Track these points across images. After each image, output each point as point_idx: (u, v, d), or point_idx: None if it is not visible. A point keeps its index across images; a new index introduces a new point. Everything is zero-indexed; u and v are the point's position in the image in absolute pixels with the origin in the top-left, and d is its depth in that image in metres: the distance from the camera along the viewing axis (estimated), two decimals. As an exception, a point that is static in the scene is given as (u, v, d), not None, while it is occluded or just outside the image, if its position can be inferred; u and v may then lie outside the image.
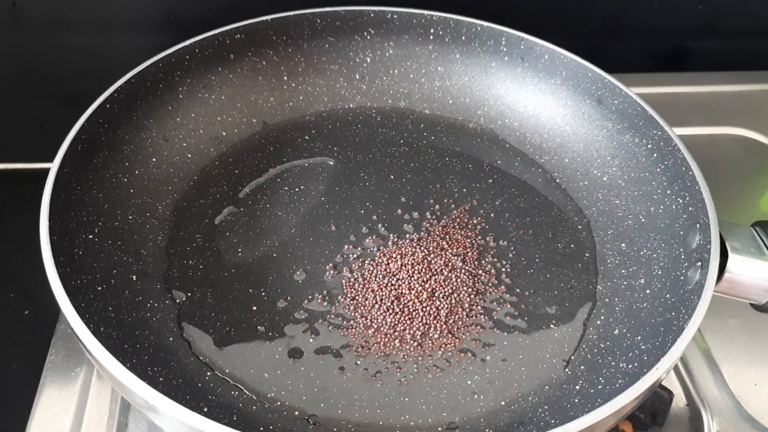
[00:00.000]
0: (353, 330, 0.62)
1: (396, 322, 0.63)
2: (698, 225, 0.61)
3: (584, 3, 1.04)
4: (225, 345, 0.60)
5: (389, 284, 0.65)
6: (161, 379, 0.54)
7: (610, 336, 0.62)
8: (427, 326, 0.63)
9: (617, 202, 0.74)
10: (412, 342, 0.61)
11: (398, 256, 0.68)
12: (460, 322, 0.64)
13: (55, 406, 0.63)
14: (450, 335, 0.62)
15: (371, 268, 0.67)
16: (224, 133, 0.80)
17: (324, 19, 0.84)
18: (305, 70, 0.86)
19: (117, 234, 0.65)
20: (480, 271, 0.68)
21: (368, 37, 0.86)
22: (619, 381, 0.55)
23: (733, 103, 1.06)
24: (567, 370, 0.60)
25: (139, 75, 0.72)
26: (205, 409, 0.53)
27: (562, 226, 0.74)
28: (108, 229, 0.64)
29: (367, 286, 0.66)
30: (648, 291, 0.64)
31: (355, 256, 0.69)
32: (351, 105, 0.87)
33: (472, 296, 0.66)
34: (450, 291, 0.65)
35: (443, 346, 0.62)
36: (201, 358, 0.59)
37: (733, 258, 0.58)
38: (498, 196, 0.77)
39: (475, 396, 0.58)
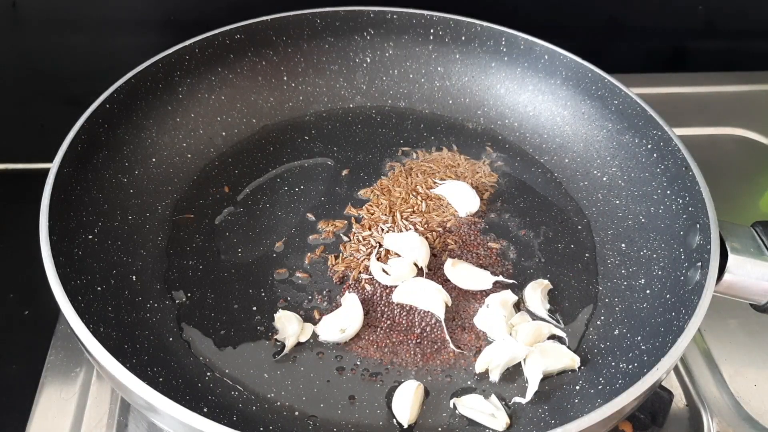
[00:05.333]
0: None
1: (396, 323, 0.63)
2: (698, 225, 0.61)
3: (584, 3, 1.04)
4: (225, 345, 0.60)
5: (390, 286, 0.65)
6: (161, 379, 0.54)
7: (610, 336, 0.62)
8: (427, 326, 0.63)
9: (617, 202, 0.74)
10: (411, 342, 0.61)
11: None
12: (459, 324, 0.64)
13: (55, 406, 0.63)
14: (450, 335, 0.62)
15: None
16: (224, 133, 0.80)
17: (324, 19, 0.84)
18: (305, 70, 0.86)
19: (117, 234, 0.65)
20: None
21: (368, 37, 0.86)
22: (619, 381, 0.55)
23: (733, 103, 1.06)
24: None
25: (139, 75, 0.72)
26: (205, 410, 0.53)
27: (562, 226, 0.74)
28: (108, 230, 0.64)
29: (367, 286, 0.66)
30: (648, 291, 0.64)
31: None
32: (351, 105, 0.87)
33: (472, 297, 0.66)
34: (450, 292, 0.65)
35: (443, 346, 0.62)
36: (201, 358, 0.59)
37: (733, 258, 0.58)
38: (498, 196, 0.77)
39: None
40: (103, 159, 0.68)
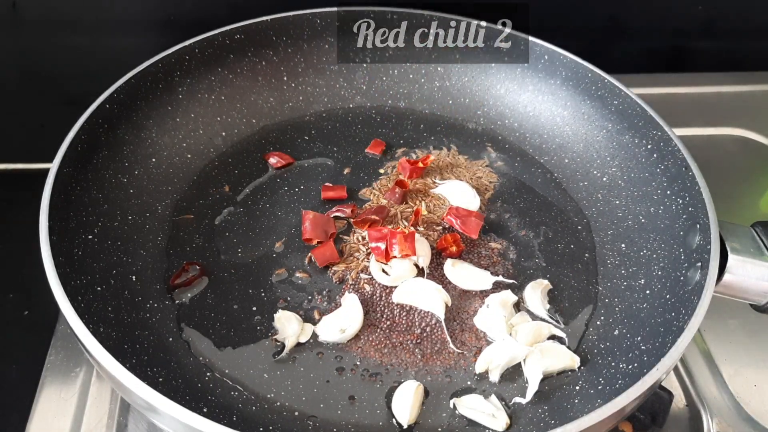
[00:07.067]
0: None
1: (395, 323, 0.63)
2: (698, 225, 0.61)
3: (584, 3, 1.04)
4: (224, 345, 0.60)
5: (390, 286, 0.65)
6: (161, 379, 0.54)
7: (610, 336, 0.62)
8: (427, 326, 0.63)
9: (617, 202, 0.74)
10: (411, 342, 0.61)
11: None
12: (459, 324, 0.64)
13: (55, 406, 0.63)
14: (450, 335, 0.62)
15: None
16: (224, 134, 0.80)
17: (324, 20, 0.84)
18: (305, 71, 0.86)
19: (117, 234, 0.65)
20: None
21: (368, 37, 0.86)
22: (619, 381, 0.55)
23: (733, 103, 1.06)
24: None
25: (139, 75, 0.72)
26: (205, 410, 0.53)
27: (562, 226, 0.74)
28: (108, 230, 0.64)
29: (367, 286, 0.66)
30: (648, 291, 0.64)
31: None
32: (351, 105, 0.87)
33: (472, 297, 0.66)
34: (450, 292, 0.65)
35: (443, 346, 0.62)
36: (200, 358, 0.59)
37: (732, 258, 0.58)
38: (498, 197, 0.77)
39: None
40: (103, 159, 0.68)
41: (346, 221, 0.72)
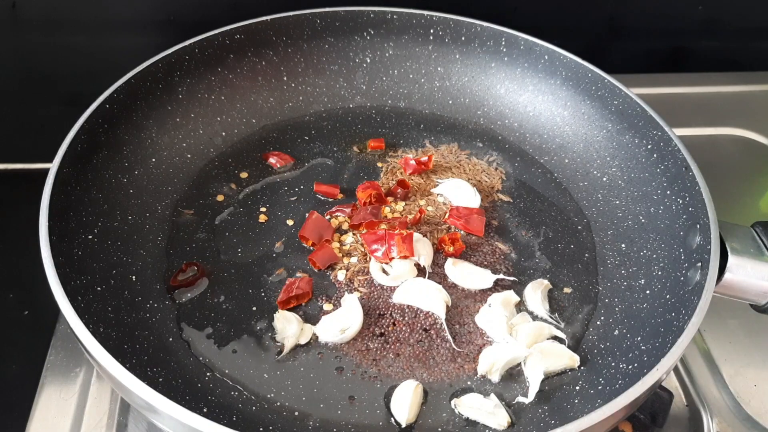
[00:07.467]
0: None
1: (396, 323, 0.63)
2: (698, 225, 0.61)
3: (584, 3, 1.04)
4: (225, 345, 0.60)
5: (390, 286, 0.65)
6: (161, 379, 0.55)
7: (610, 337, 0.62)
8: (427, 326, 0.63)
9: (617, 202, 0.74)
10: (411, 342, 0.61)
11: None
12: (460, 324, 0.64)
13: (55, 406, 0.63)
14: (451, 335, 0.62)
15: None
16: (224, 134, 0.80)
17: (324, 20, 0.84)
18: (305, 71, 0.86)
19: (117, 234, 0.65)
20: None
21: (368, 38, 0.86)
22: (619, 382, 0.55)
23: (733, 103, 1.06)
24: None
25: (139, 75, 0.72)
26: (205, 410, 0.53)
27: (561, 227, 0.74)
28: (108, 230, 0.64)
29: (367, 287, 0.66)
30: (648, 291, 0.64)
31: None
32: (350, 105, 0.87)
33: (473, 297, 0.66)
34: (450, 292, 0.65)
35: (443, 346, 0.62)
36: (200, 358, 0.59)
37: (732, 258, 0.58)
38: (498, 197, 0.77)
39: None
40: (103, 159, 0.68)
41: (345, 221, 0.72)
